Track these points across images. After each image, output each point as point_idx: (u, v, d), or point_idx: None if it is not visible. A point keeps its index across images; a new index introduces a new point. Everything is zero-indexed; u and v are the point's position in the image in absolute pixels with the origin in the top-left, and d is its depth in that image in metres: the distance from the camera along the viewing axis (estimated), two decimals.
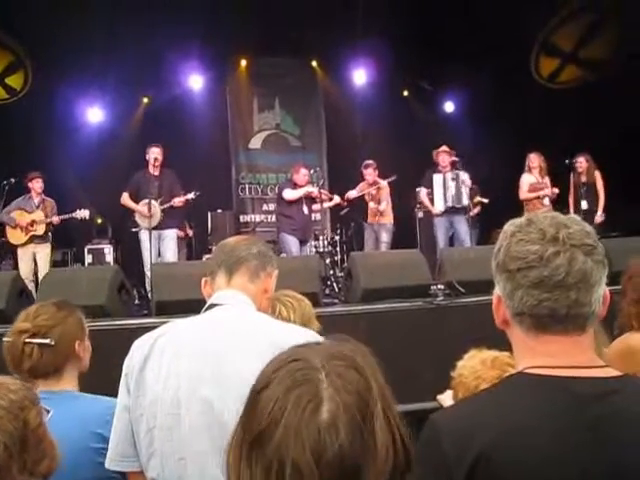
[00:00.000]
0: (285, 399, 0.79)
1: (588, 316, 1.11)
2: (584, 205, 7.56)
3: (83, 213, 7.33)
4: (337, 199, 8.15)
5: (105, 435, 1.85)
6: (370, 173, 8.08)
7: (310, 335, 1.54)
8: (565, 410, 1.06)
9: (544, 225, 1.13)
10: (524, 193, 7.59)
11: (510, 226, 1.18)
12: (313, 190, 7.80)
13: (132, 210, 7.17)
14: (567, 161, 7.68)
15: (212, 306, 1.64)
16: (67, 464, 1.78)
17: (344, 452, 0.75)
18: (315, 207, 7.87)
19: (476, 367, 1.78)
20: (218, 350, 1.50)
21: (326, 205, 8.06)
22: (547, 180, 7.62)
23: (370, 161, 8.17)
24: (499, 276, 1.16)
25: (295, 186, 7.74)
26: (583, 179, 7.66)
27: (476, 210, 8.51)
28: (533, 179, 7.60)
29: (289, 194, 7.60)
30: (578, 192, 7.67)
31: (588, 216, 7.06)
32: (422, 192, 7.91)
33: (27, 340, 1.89)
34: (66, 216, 7.37)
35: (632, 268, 2.46)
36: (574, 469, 1.02)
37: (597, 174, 7.71)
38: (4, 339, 1.94)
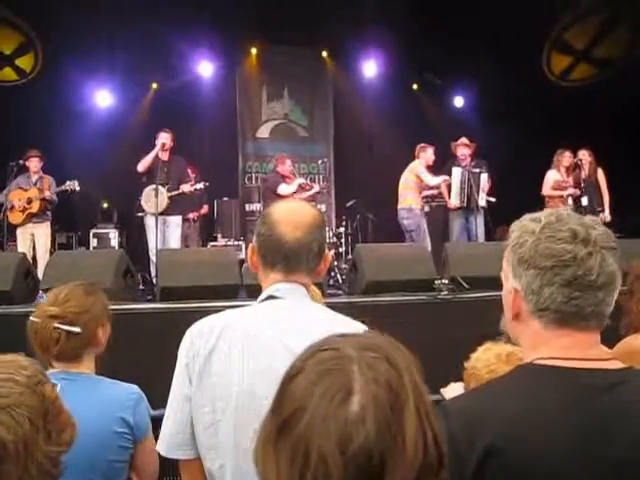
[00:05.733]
0: (314, 387, 0.78)
1: (607, 315, 1.15)
2: (584, 201, 7.43)
3: (72, 184, 7.29)
4: (317, 188, 8.55)
5: (127, 419, 1.93)
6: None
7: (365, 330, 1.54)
8: (574, 401, 1.07)
9: (573, 224, 1.14)
10: (548, 190, 7.52)
11: (533, 222, 1.18)
12: (305, 181, 8.20)
13: (138, 195, 7.22)
14: (576, 160, 7.62)
15: (271, 297, 1.58)
16: (94, 446, 1.84)
17: (371, 445, 0.73)
18: (301, 196, 7.90)
19: (490, 360, 1.79)
20: (291, 346, 1.42)
21: (309, 193, 8.15)
22: (571, 179, 7.56)
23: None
24: (523, 271, 1.16)
25: (284, 178, 7.89)
26: (584, 175, 7.51)
27: None
28: (559, 177, 7.54)
29: (285, 189, 7.74)
30: (580, 188, 7.54)
31: (587, 214, 6.97)
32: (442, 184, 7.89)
33: (56, 325, 1.92)
34: (57, 189, 7.34)
35: (638, 269, 2.46)
36: (582, 460, 1.04)
37: (600, 172, 7.60)
38: (31, 319, 1.96)
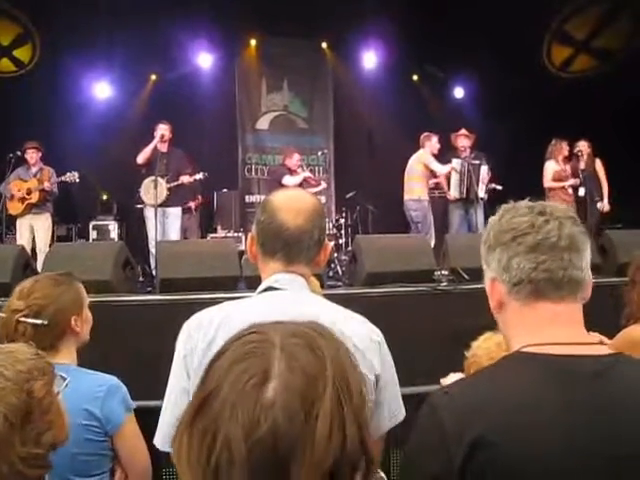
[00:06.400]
0: (230, 370, 0.75)
1: (581, 281, 1.17)
2: (581, 192, 7.42)
3: (72, 176, 7.29)
4: (324, 185, 8.53)
5: (93, 411, 1.86)
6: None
7: (367, 323, 1.54)
8: (565, 393, 1.06)
9: (530, 204, 1.22)
10: (549, 181, 7.50)
11: (495, 215, 1.26)
12: (310, 175, 8.16)
13: (137, 187, 7.21)
14: (575, 151, 7.61)
15: (270, 288, 1.56)
16: None
17: (278, 432, 0.70)
18: (309, 190, 7.92)
19: (491, 349, 1.81)
20: None
21: (316, 190, 8.13)
22: (568, 168, 7.56)
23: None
24: (492, 254, 1.21)
25: (290, 171, 7.90)
26: (582, 166, 7.49)
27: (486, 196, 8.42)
28: (557, 167, 7.52)
29: (290, 180, 7.76)
30: (578, 178, 7.51)
31: (584, 204, 7.01)
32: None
33: (20, 319, 1.89)
34: (57, 180, 7.33)
35: None
36: (576, 452, 1.03)
37: (598, 162, 7.60)
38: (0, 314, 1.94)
